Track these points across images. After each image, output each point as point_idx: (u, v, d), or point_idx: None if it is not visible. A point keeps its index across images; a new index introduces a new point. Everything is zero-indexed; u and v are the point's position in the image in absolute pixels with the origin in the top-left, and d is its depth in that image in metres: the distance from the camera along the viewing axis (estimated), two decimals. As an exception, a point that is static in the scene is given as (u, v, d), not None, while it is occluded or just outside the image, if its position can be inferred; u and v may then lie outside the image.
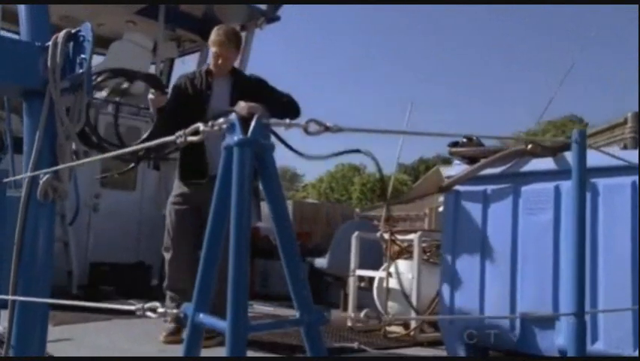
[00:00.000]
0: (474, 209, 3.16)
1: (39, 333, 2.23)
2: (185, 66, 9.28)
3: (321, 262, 5.49)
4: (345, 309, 5.40)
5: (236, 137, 1.11)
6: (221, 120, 1.11)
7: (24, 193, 2.28)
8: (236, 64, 8.64)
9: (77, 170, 6.11)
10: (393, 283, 4.27)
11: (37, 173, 2.23)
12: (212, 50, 3.84)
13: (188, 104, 3.82)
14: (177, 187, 3.99)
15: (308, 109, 3.83)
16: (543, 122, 44.85)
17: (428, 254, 4.42)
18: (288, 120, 1.19)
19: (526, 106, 72.98)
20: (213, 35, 3.83)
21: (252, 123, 1.10)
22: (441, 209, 15.75)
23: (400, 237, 4.48)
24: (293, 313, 1.37)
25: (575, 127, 37.59)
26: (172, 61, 8.93)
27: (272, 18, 8.05)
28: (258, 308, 5.77)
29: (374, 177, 56.31)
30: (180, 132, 1.21)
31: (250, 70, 8.74)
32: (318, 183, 59.48)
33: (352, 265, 4.56)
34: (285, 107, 3.73)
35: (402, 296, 4.18)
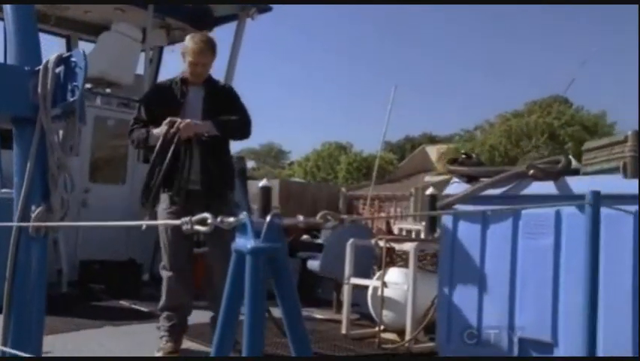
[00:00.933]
0: (473, 229, 3.14)
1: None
2: (175, 54, 9.12)
3: (313, 264, 5.46)
4: (339, 310, 5.39)
5: (249, 244, 1.05)
6: (231, 219, 1.05)
7: (15, 228, 2.21)
8: (227, 56, 8.53)
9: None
10: (388, 291, 4.25)
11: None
12: (190, 58, 3.74)
13: (163, 114, 3.73)
14: (166, 201, 3.83)
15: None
16: (529, 102, 45.02)
17: (423, 262, 4.40)
18: (301, 217, 1.14)
19: (512, 85, 73.11)
20: (190, 44, 3.75)
21: (265, 226, 1.05)
22: (429, 191, 15.71)
23: (395, 246, 4.45)
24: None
25: (560, 108, 37.47)
26: (161, 49, 8.78)
27: (264, 8, 7.92)
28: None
29: (360, 155, 56.34)
30: (186, 219, 1.15)
31: (246, 55, 8.64)
32: (304, 161, 59.38)
33: (347, 272, 4.53)
34: (241, 126, 3.86)
35: (396, 305, 4.17)
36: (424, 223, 28.44)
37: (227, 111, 3.80)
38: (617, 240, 2.60)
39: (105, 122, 7.52)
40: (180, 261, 3.83)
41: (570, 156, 8.58)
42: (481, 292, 3.03)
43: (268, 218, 1.08)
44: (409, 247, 4.24)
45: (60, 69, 2.32)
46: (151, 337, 4.20)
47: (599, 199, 1.82)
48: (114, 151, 7.58)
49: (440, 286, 3.23)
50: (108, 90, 7.61)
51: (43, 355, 2.40)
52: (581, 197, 2.79)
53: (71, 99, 2.29)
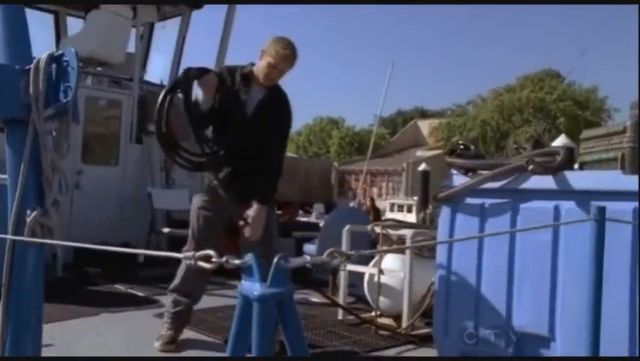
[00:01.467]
0: (471, 222, 3.12)
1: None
2: (166, 30, 8.99)
3: (309, 248, 5.46)
4: (334, 293, 5.40)
5: (256, 290, 1.02)
6: (237, 261, 1.02)
7: (10, 233, 2.17)
8: (221, 27, 8.39)
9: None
10: (384, 278, 4.25)
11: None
12: (272, 60, 3.57)
13: (227, 101, 3.64)
14: (208, 192, 3.82)
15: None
16: (521, 77, 44.95)
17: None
18: (308, 258, 1.11)
19: (504, 61, 72.74)
20: (277, 46, 3.58)
21: (271, 271, 1.02)
22: (421, 167, 15.79)
23: (391, 231, 4.44)
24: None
25: (552, 82, 37.49)
26: (152, 25, 8.62)
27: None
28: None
29: (352, 130, 56.35)
30: (190, 255, 1.12)
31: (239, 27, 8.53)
32: (297, 136, 59.34)
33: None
34: (274, 176, 3.76)
35: (393, 291, 4.18)
36: (415, 198, 28.63)
37: (273, 120, 3.69)
38: (616, 237, 2.59)
39: (96, 102, 7.43)
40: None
41: (563, 136, 8.57)
42: (478, 286, 3.03)
43: (275, 260, 1.05)
44: (405, 232, 4.24)
45: (52, 68, 2.26)
46: (148, 324, 4.21)
47: (604, 215, 1.80)
48: (106, 132, 7.50)
49: (438, 279, 3.22)
50: (99, 69, 7.50)
51: (43, 347, 2.39)
52: (582, 193, 2.79)
53: (64, 100, 2.24)
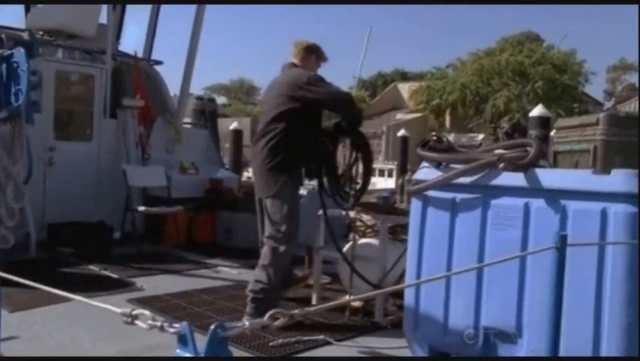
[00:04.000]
0: (442, 216, 3.13)
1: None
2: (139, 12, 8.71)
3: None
4: (309, 271, 5.44)
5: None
6: (172, 330, 0.99)
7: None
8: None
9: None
10: (358, 264, 4.27)
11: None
12: (322, 62, 4.47)
13: None
14: (298, 187, 4.36)
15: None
16: (501, 40, 44.79)
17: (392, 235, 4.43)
18: (246, 323, 1.10)
19: (485, 23, 72.24)
20: (320, 49, 4.43)
21: (206, 341, 0.99)
22: (401, 133, 15.91)
23: (365, 216, 4.46)
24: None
25: (531, 46, 37.48)
26: (123, 8, 8.37)
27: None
28: (224, 271, 5.77)
29: (333, 92, 55.81)
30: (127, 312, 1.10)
31: None
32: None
33: (318, 243, 4.54)
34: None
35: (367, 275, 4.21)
36: (396, 163, 28.74)
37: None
38: (584, 237, 2.63)
39: (68, 76, 7.25)
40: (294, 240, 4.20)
41: (540, 106, 8.67)
42: (448, 281, 3.07)
43: (211, 328, 1.03)
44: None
45: (2, 68, 2.19)
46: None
47: (565, 242, 1.81)
48: (79, 107, 7.35)
49: (408, 272, 3.25)
50: (70, 42, 7.29)
51: (6, 340, 2.31)
52: (552, 191, 2.81)
53: (16, 104, 2.18)
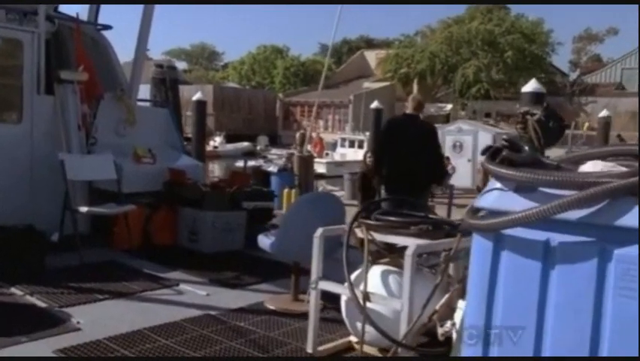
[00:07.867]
0: (527, 269, 2.05)
1: None
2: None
3: (265, 242, 4.29)
4: (296, 296, 4.35)
5: None
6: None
7: None
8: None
9: None
10: (371, 305, 3.17)
11: None
12: None
13: None
14: None
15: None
16: (470, 8, 44.21)
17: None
18: None
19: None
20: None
21: None
22: (374, 105, 15.07)
23: (377, 236, 3.34)
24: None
25: (500, 13, 37.39)
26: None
27: None
28: (187, 292, 4.60)
29: (297, 60, 54.52)
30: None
31: None
32: (240, 65, 57.04)
33: (314, 274, 3.39)
34: None
35: (382, 320, 3.13)
36: (367, 133, 28.15)
37: None
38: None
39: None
40: None
41: (534, 81, 7.74)
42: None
43: None
44: (404, 242, 3.15)
45: None
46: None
47: None
48: (4, 80, 5.99)
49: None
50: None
51: None
52: None
53: None
